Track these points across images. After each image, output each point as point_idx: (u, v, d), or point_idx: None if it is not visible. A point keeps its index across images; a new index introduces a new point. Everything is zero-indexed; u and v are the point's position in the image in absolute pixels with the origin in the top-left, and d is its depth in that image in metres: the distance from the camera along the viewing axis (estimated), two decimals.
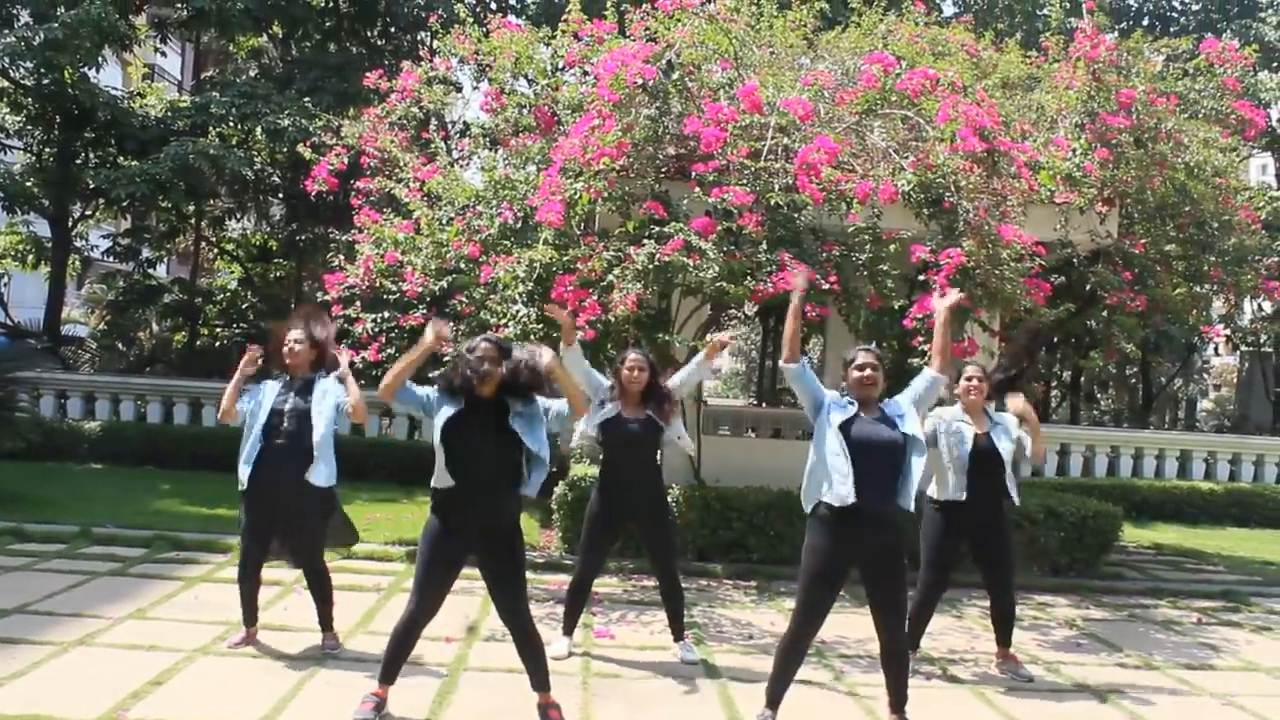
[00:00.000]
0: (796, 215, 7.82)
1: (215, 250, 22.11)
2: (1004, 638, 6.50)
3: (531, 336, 7.83)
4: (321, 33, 19.23)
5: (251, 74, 19.73)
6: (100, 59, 16.20)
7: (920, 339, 7.52)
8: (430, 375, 5.14)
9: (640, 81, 7.79)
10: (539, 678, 5.11)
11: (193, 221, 20.01)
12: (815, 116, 8.14)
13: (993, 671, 6.51)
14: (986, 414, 6.41)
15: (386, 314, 8.95)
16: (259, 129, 15.76)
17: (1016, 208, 7.93)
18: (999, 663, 6.53)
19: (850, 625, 7.14)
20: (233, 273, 22.50)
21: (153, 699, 5.23)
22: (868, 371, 5.07)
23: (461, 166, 10.12)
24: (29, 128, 17.23)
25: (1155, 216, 9.51)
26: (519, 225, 8.16)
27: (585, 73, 9.08)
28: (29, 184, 16.87)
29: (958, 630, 7.59)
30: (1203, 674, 6.76)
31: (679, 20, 8.37)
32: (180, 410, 14.75)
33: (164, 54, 21.49)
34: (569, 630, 6.46)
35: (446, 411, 4.87)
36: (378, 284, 8.85)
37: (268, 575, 6.36)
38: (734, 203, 7.34)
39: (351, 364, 6.77)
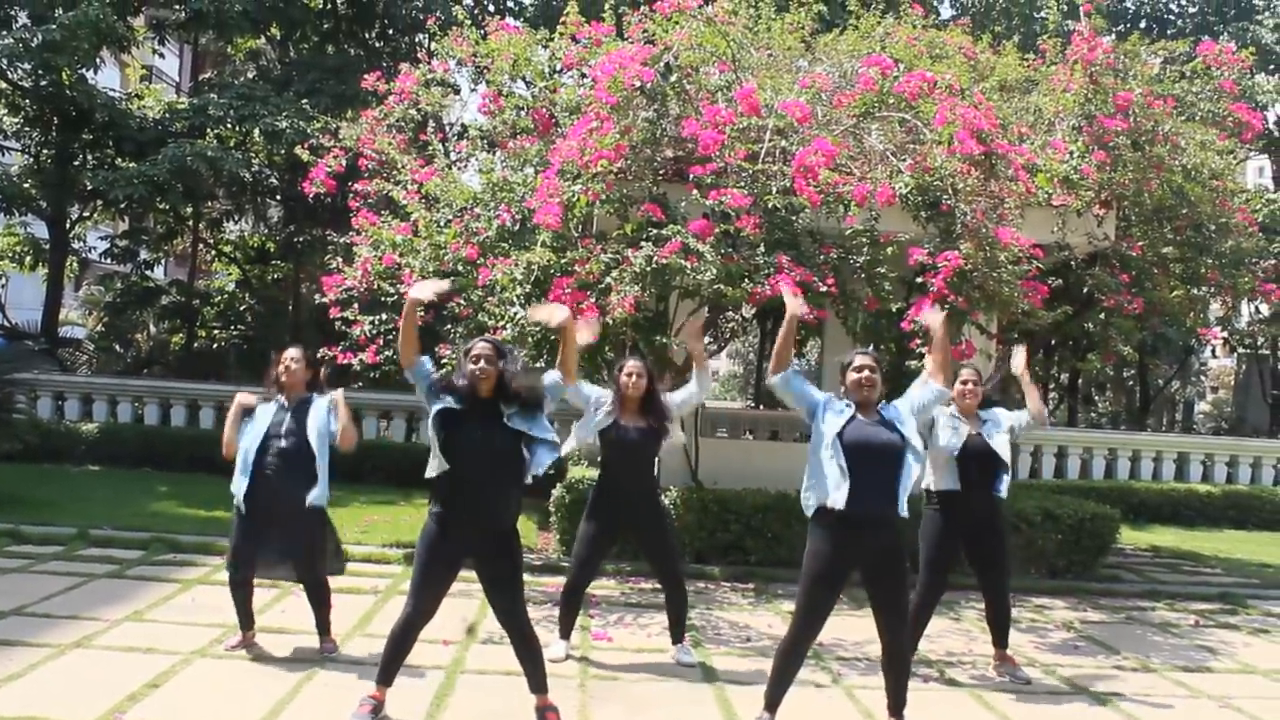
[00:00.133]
0: (794, 218, 7.81)
1: (213, 252, 22.11)
2: (1000, 640, 6.51)
3: (529, 338, 7.84)
4: (319, 35, 19.24)
5: (249, 76, 19.72)
6: (98, 60, 16.22)
7: (918, 341, 7.52)
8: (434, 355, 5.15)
9: (638, 84, 7.79)
10: (536, 679, 5.11)
11: (190, 223, 20.01)
12: (813, 119, 8.14)
13: (990, 674, 6.51)
14: (977, 414, 6.42)
15: (384, 316, 8.95)
16: (257, 131, 15.77)
17: (1014, 210, 7.93)
18: (996, 665, 6.54)
19: (848, 628, 7.14)
20: (230, 275, 22.51)
21: (150, 701, 5.22)
22: (865, 373, 5.06)
23: (459, 169, 10.10)
24: (27, 129, 17.24)
25: (1152, 219, 9.52)
26: (517, 227, 8.16)
27: (583, 75, 9.08)
28: (27, 185, 16.87)
29: (956, 632, 7.60)
30: (1200, 676, 6.77)
31: (677, 23, 8.37)
32: (177, 412, 14.73)
33: (162, 56, 21.48)
34: (565, 633, 6.45)
35: (446, 401, 4.88)
36: (375, 286, 8.85)
37: (266, 578, 6.35)
38: (732, 205, 7.34)
39: (349, 366, 6.81)
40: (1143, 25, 20.51)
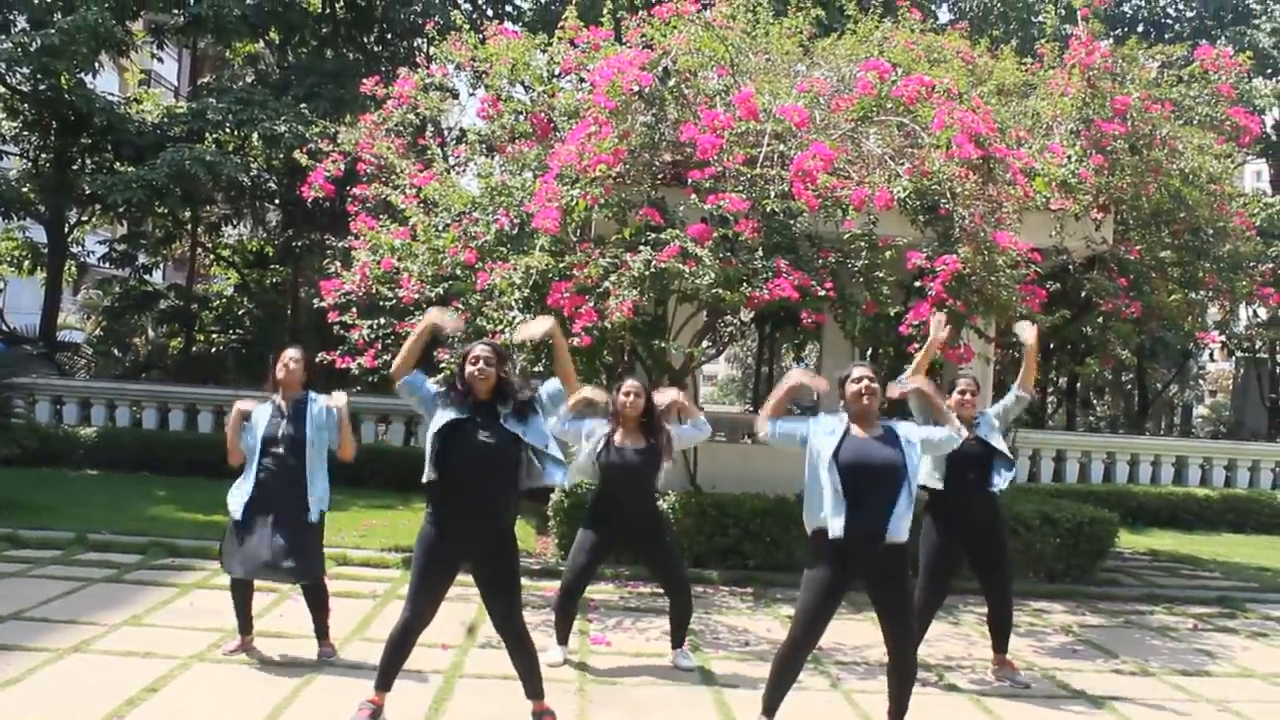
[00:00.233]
0: (792, 222, 7.82)
1: (211, 256, 22.11)
2: (1001, 644, 6.50)
3: (528, 342, 7.83)
4: (318, 39, 19.25)
5: (248, 80, 19.71)
6: (97, 65, 16.24)
7: (916, 345, 7.52)
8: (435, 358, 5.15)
9: (637, 88, 7.80)
10: (532, 685, 5.10)
11: (189, 227, 20.02)
12: (811, 123, 8.15)
13: (989, 678, 6.51)
14: (972, 421, 6.42)
15: (383, 320, 8.94)
16: (255, 135, 15.78)
17: (1012, 214, 7.94)
18: (995, 669, 6.54)
19: (848, 632, 7.13)
20: (229, 279, 22.49)
21: (148, 706, 5.22)
22: (864, 383, 4.95)
23: (458, 173, 10.10)
24: (25, 133, 17.24)
25: (1150, 223, 9.54)
26: (515, 232, 8.17)
27: (582, 79, 9.09)
28: (25, 190, 16.86)
29: (955, 637, 7.60)
30: (1199, 680, 6.77)
31: (675, 27, 8.39)
32: (176, 416, 14.72)
33: (160, 60, 21.43)
34: (563, 638, 6.44)
35: (446, 415, 4.87)
36: (374, 290, 8.85)
37: (264, 581, 6.34)
38: (730, 209, 7.35)
39: (347, 370, 6.80)
40: (1140, 29, 20.52)
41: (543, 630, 6.41)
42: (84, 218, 18.82)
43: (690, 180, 7.71)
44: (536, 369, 7.51)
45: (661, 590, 6.78)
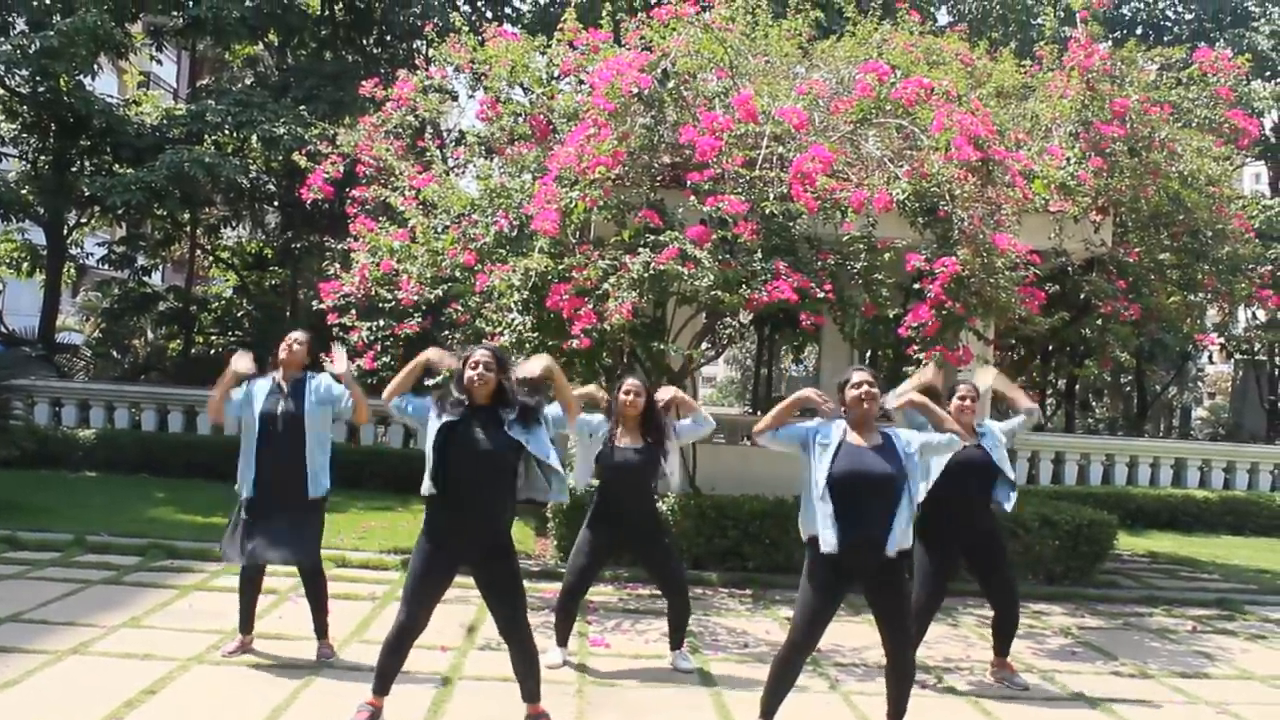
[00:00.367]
0: (791, 224, 7.83)
1: (210, 258, 22.10)
2: (1003, 647, 6.50)
3: (527, 345, 7.84)
4: (317, 41, 19.24)
5: (247, 82, 19.72)
6: (96, 67, 16.23)
7: (915, 347, 7.53)
8: (426, 384, 5.17)
9: (636, 90, 7.81)
10: (530, 689, 5.11)
11: (188, 229, 20.01)
12: (810, 125, 8.15)
13: (988, 680, 6.51)
14: (974, 428, 6.42)
15: (382, 322, 8.96)
16: (254, 137, 15.78)
17: (1011, 216, 7.94)
18: (994, 671, 6.54)
19: (846, 634, 7.13)
20: (228, 281, 22.48)
21: (147, 708, 5.22)
22: (864, 388, 4.92)
23: (457, 175, 10.10)
24: (24, 135, 17.24)
25: (1149, 225, 9.54)
26: (514, 234, 8.17)
27: (581, 81, 9.09)
28: (24, 192, 16.84)
29: (953, 639, 7.60)
30: (1198, 682, 6.77)
31: (674, 29, 8.39)
32: (175, 418, 14.70)
33: (160, 62, 21.42)
34: (563, 640, 6.45)
35: (441, 419, 4.87)
36: (373, 292, 8.85)
37: (263, 584, 6.34)
38: (729, 211, 7.35)
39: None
40: (1139, 32, 20.53)
41: (541, 632, 6.39)
42: (83, 220, 18.82)
43: (689, 182, 7.72)
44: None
45: (660, 592, 6.78)
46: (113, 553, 8.71)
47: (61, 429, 14.26)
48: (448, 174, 9.39)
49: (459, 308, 8.67)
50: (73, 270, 21.10)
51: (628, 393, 6.26)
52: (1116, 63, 9.33)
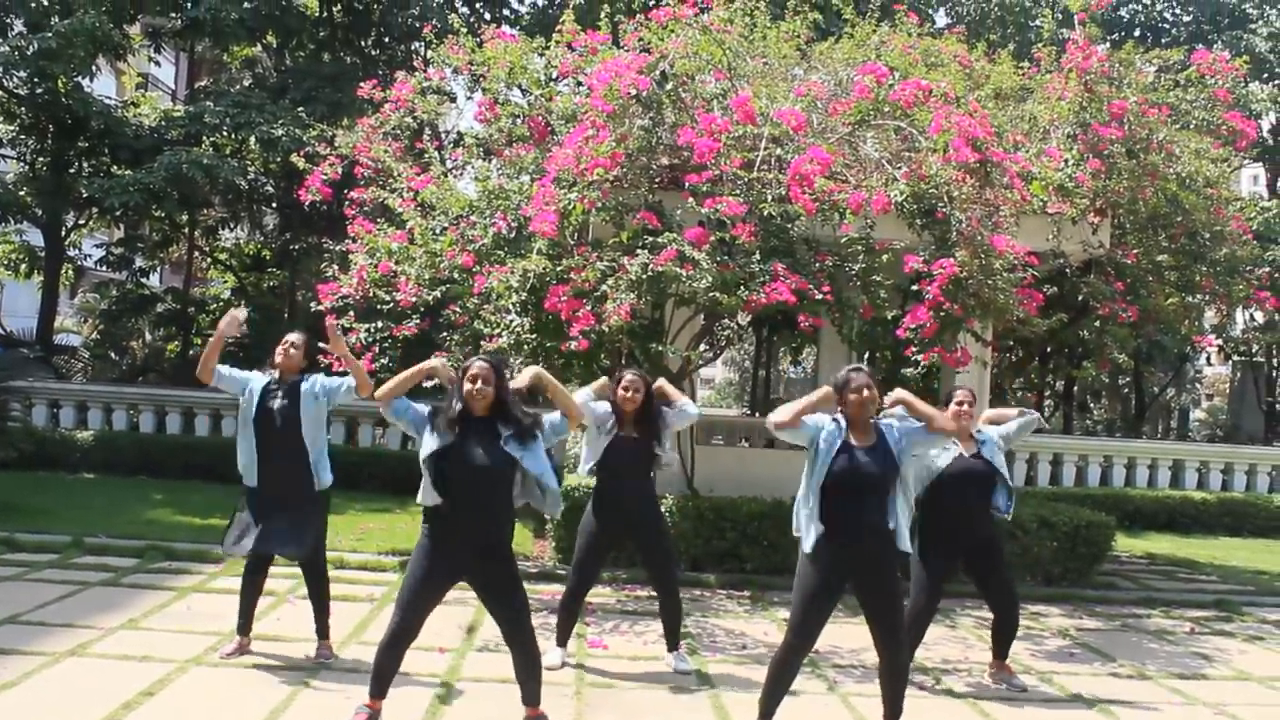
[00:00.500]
0: (790, 226, 7.82)
1: (208, 260, 22.11)
2: (1001, 650, 6.50)
3: (525, 346, 7.84)
4: (316, 43, 19.25)
5: (245, 84, 19.72)
6: (94, 68, 16.23)
7: (913, 349, 7.53)
8: (424, 385, 5.16)
9: (634, 92, 7.80)
10: (530, 692, 5.11)
11: (186, 231, 20.02)
12: (808, 127, 8.15)
13: (986, 682, 6.51)
14: (972, 435, 6.42)
15: (380, 324, 8.95)
16: (253, 138, 15.79)
17: (1009, 218, 7.94)
18: (992, 673, 6.54)
19: (844, 635, 7.13)
20: (226, 282, 22.49)
21: (145, 710, 5.21)
22: (865, 393, 4.99)
23: (455, 176, 10.10)
24: (22, 137, 17.24)
25: (1147, 227, 9.55)
26: (513, 235, 8.17)
27: (579, 83, 9.09)
28: (22, 193, 16.84)
29: (951, 640, 7.60)
30: (1196, 684, 6.77)
31: (673, 31, 8.38)
32: (173, 420, 14.68)
33: (158, 63, 21.44)
34: (562, 641, 6.46)
35: (439, 440, 4.86)
36: (371, 294, 8.84)
37: (264, 585, 6.34)
38: (727, 213, 7.35)
39: (344, 373, 6.73)
40: (1137, 34, 20.56)
41: (540, 633, 6.37)
42: (81, 221, 18.82)
43: (687, 184, 7.71)
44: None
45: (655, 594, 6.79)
46: (111, 554, 8.71)
47: (59, 431, 14.25)
48: (446, 176, 9.39)
49: (457, 309, 8.67)
50: (71, 272, 21.10)
51: (626, 388, 6.29)
52: (1114, 64, 9.34)
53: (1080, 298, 9.42)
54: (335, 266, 9.32)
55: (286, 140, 14.59)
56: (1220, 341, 20.73)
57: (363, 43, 19.76)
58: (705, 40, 8.28)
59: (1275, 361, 23.78)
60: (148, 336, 21.80)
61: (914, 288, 7.92)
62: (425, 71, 9.66)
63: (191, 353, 20.02)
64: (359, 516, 11.04)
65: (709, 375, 50.08)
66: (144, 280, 20.69)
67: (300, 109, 15.88)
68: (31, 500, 10.81)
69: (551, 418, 5.10)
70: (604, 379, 6.61)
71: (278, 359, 6.11)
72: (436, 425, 4.91)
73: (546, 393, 5.03)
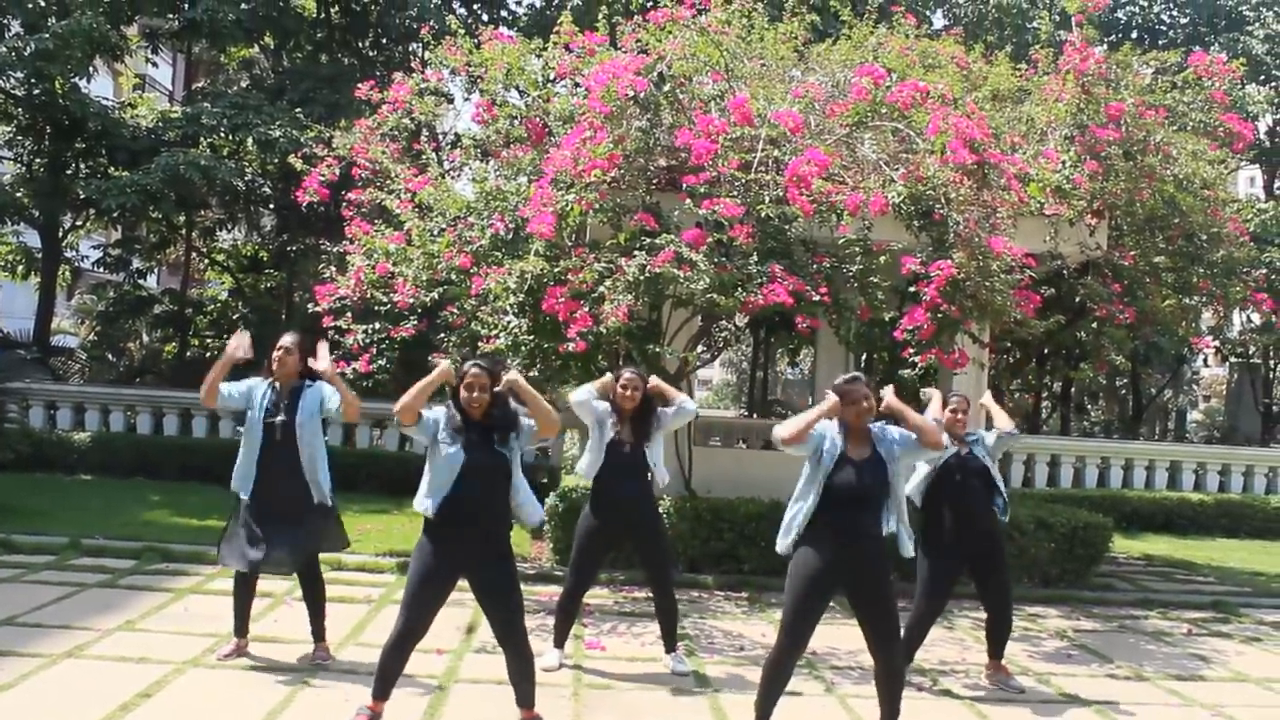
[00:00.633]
0: (787, 227, 7.83)
1: (206, 261, 22.08)
2: (997, 651, 6.51)
3: (522, 348, 7.84)
4: (313, 44, 19.24)
5: (243, 85, 19.73)
6: (91, 69, 16.23)
7: (911, 350, 7.54)
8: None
9: (631, 93, 7.80)
10: (524, 693, 5.11)
11: (183, 232, 19.98)
12: (806, 129, 8.16)
13: (984, 683, 6.51)
14: (963, 437, 6.45)
15: (377, 325, 8.95)
16: (250, 140, 15.76)
17: (1006, 220, 7.95)
18: (990, 674, 6.54)
19: (841, 636, 7.13)
20: (223, 283, 22.47)
21: (142, 711, 5.21)
22: (864, 404, 5.02)
23: (453, 178, 10.11)
24: (19, 138, 17.22)
25: (1144, 229, 9.55)
26: (510, 237, 8.17)
27: (576, 84, 9.09)
28: (19, 194, 16.82)
29: (949, 641, 7.60)
30: (1193, 685, 6.78)
31: (670, 32, 8.39)
32: (170, 421, 14.68)
33: (155, 65, 21.45)
34: (560, 642, 6.46)
35: (449, 449, 4.92)
36: (369, 295, 8.84)
37: (258, 586, 6.34)
38: (725, 214, 7.35)
39: (342, 374, 6.75)
40: (1134, 36, 20.59)
41: (537, 635, 6.39)
42: (78, 222, 18.80)
43: (685, 185, 7.72)
44: (530, 375, 7.51)
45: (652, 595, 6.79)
46: (108, 556, 8.70)
47: (56, 432, 14.24)
48: (443, 177, 9.39)
49: (455, 310, 8.67)
50: (68, 273, 21.08)
51: (625, 385, 6.30)
52: (1112, 66, 9.35)
53: (1077, 299, 9.42)
54: (333, 268, 9.32)
55: (284, 141, 14.58)
56: (1217, 343, 20.75)
57: (360, 44, 19.75)
58: (703, 42, 8.28)
59: (1272, 363, 23.81)
60: (145, 338, 21.77)
61: (911, 289, 7.92)
62: (423, 73, 9.65)
63: (189, 354, 20.02)
64: (356, 518, 11.01)
65: (706, 376, 50.11)
66: (141, 281, 20.67)
67: (298, 110, 15.87)
68: (28, 502, 10.80)
69: (526, 424, 5.12)
70: (608, 376, 6.60)
71: (274, 367, 6.07)
72: (443, 431, 4.97)
73: (522, 400, 5.04)
